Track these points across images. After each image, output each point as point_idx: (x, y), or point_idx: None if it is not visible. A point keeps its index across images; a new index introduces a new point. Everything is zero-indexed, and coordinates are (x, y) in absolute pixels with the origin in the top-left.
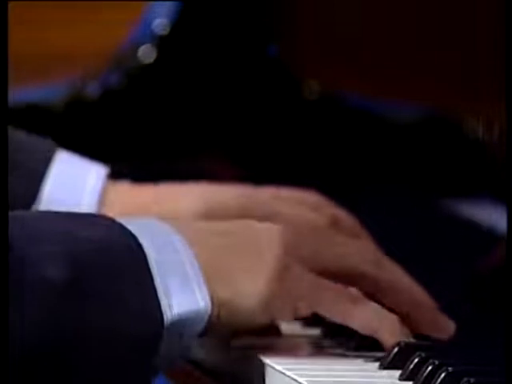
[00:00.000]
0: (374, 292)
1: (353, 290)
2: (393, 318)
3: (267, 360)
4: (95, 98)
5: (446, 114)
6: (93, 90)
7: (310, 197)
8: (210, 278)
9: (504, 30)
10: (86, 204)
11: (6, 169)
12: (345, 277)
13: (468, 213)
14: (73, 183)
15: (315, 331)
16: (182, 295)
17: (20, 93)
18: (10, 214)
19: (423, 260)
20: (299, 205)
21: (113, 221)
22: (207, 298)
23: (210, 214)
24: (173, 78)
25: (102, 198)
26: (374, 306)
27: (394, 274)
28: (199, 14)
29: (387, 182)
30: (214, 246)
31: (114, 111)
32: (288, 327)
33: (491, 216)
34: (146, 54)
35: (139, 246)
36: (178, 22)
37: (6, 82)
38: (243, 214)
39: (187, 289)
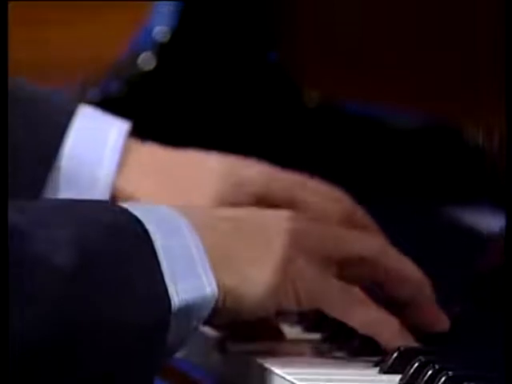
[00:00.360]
0: (378, 280)
1: (358, 292)
2: (394, 321)
3: (267, 364)
4: (95, 105)
5: (446, 122)
6: (93, 96)
7: (334, 191)
8: (217, 263)
9: (504, 37)
10: (106, 163)
11: (6, 165)
12: (350, 265)
13: (468, 220)
14: (94, 140)
15: (316, 336)
16: (189, 280)
17: None
18: (13, 202)
19: (423, 266)
20: (321, 196)
21: (119, 206)
22: (214, 284)
23: (233, 185)
24: (173, 85)
25: (123, 157)
26: (376, 307)
27: (400, 263)
28: (199, 20)
29: (387, 189)
30: (221, 232)
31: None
32: (288, 332)
33: (491, 223)
34: (146, 61)
35: (145, 231)
36: (179, 29)
37: (6, 82)
38: (265, 190)
39: (194, 274)
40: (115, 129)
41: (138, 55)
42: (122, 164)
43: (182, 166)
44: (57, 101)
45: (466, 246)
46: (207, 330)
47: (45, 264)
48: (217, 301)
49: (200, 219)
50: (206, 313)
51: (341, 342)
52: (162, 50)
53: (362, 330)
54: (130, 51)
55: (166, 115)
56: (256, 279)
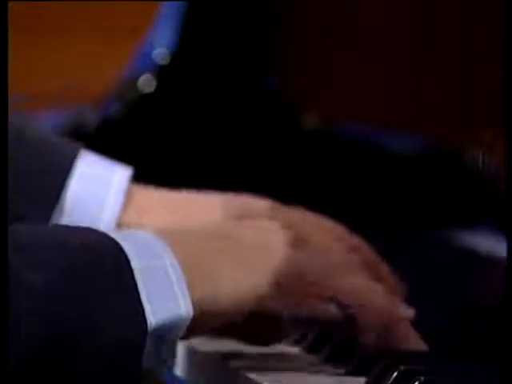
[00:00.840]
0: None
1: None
2: (380, 287)
3: (262, 381)
4: (95, 128)
5: (446, 146)
6: (92, 119)
7: (338, 228)
8: (193, 281)
9: (504, 61)
10: (111, 203)
11: (6, 172)
12: None
13: (468, 243)
14: (98, 185)
15: (314, 357)
16: (165, 301)
17: None
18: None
19: (421, 289)
20: (325, 232)
21: (97, 230)
22: (189, 304)
23: (239, 216)
24: (172, 107)
25: (127, 199)
26: (363, 274)
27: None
28: (199, 43)
29: (387, 213)
30: (199, 250)
31: (113, 141)
32: (288, 351)
33: (491, 246)
34: (146, 83)
35: (122, 251)
36: (178, 52)
37: (6, 82)
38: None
39: (170, 294)
40: (118, 174)
41: (137, 77)
42: (126, 204)
43: (186, 202)
44: (57, 147)
45: (467, 269)
46: (201, 347)
47: (20, 285)
48: (192, 318)
49: (177, 239)
50: (181, 331)
51: (340, 362)
52: (162, 73)
53: (350, 301)
54: (129, 73)
55: (165, 137)
56: (232, 291)
